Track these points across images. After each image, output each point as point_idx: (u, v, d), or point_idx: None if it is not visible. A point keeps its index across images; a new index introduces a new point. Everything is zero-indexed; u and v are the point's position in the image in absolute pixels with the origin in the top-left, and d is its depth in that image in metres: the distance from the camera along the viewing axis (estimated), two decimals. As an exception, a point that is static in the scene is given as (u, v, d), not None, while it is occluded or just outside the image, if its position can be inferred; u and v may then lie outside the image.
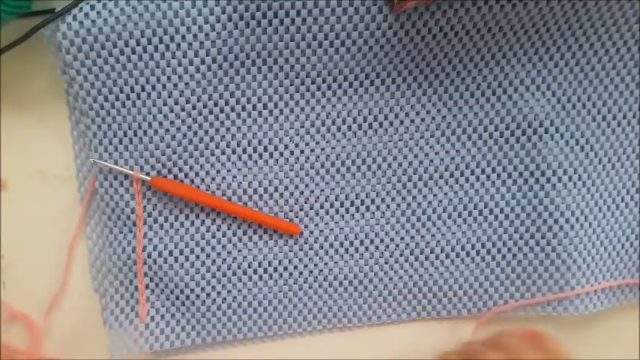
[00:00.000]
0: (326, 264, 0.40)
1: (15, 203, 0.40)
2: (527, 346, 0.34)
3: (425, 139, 0.39)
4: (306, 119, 0.38)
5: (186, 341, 0.40)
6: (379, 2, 0.34)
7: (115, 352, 0.39)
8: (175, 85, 0.36)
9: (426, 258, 0.40)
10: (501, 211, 0.40)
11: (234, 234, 0.39)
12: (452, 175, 0.40)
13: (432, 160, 0.39)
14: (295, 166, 0.39)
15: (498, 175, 0.40)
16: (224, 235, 0.39)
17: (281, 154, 0.39)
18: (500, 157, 0.39)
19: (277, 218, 0.39)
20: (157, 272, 0.39)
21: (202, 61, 0.35)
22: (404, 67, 0.37)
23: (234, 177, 0.38)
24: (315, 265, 0.40)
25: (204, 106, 0.37)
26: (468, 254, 0.40)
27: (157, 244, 0.38)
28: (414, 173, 0.39)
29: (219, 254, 0.39)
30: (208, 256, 0.39)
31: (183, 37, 0.35)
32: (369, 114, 0.38)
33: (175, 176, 0.38)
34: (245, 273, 0.40)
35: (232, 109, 0.37)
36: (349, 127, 0.39)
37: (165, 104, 0.36)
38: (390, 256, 0.40)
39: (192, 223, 0.39)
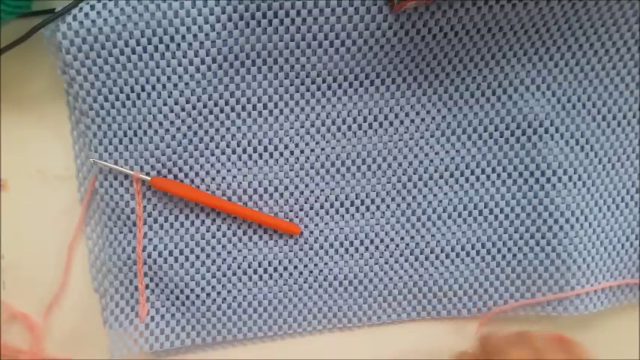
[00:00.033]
0: (326, 264, 0.40)
1: (15, 203, 0.40)
2: (552, 346, 0.34)
3: (425, 139, 0.39)
4: (306, 119, 0.38)
5: (186, 341, 0.40)
6: (379, 2, 0.34)
7: (115, 352, 0.39)
8: (175, 85, 0.36)
9: (426, 258, 0.40)
10: (501, 211, 0.40)
11: (234, 234, 0.39)
12: (452, 175, 0.40)
13: (432, 160, 0.39)
14: (295, 166, 0.39)
15: (498, 175, 0.40)
16: (224, 235, 0.39)
17: (281, 154, 0.39)
18: (500, 157, 0.39)
19: (277, 218, 0.39)
20: (157, 272, 0.39)
21: (202, 61, 0.35)
22: (404, 67, 0.37)
23: (234, 177, 0.38)
24: (315, 265, 0.40)
25: (204, 106, 0.37)
26: (468, 254, 0.40)
27: (157, 244, 0.38)
28: (414, 173, 0.39)
29: (219, 254, 0.39)
30: (208, 256, 0.39)
31: (183, 37, 0.35)
32: (369, 114, 0.38)
33: (175, 176, 0.38)
34: (245, 273, 0.40)
35: (232, 109, 0.37)
36: (349, 127, 0.39)
37: (165, 104, 0.36)
38: (390, 256, 0.40)
39: (192, 223, 0.39)
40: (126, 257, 0.39)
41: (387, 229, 0.40)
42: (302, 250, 0.40)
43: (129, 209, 0.38)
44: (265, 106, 0.38)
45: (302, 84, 0.37)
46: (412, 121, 0.39)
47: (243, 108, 0.38)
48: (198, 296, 0.39)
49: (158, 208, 0.38)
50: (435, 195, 0.40)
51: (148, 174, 0.37)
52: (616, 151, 0.40)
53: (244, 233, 0.39)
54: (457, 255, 0.40)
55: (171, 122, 0.36)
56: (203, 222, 0.39)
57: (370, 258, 0.40)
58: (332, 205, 0.39)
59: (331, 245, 0.40)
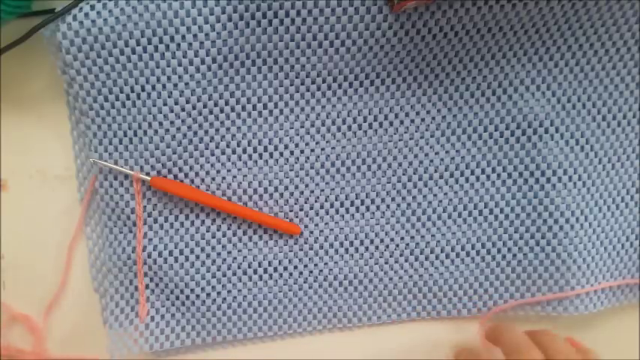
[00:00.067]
0: (326, 264, 0.40)
1: (15, 203, 0.40)
2: (566, 348, 0.34)
3: (425, 139, 0.39)
4: (306, 119, 0.38)
5: (186, 341, 0.40)
6: (379, 2, 0.34)
7: (115, 352, 0.39)
8: (175, 85, 0.36)
9: (426, 258, 0.40)
10: (501, 211, 0.40)
11: (234, 234, 0.39)
12: (452, 175, 0.40)
13: (432, 160, 0.39)
14: (295, 166, 0.39)
15: (498, 175, 0.40)
16: (224, 235, 0.39)
17: (281, 154, 0.39)
18: (500, 157, 0.39)
19: (277, 218, 0.39)
20: (157, 272, 0.39)
21: (202, 61, 0.35)
22: (404, 67, 0.37)
23: (234, 177, 0.38)
24: (315, 265, 0.40)
25: (204, 106, 0.37)
26: (468, 254, 0.40)
27: (157, 244, 0.38)
28: (414, 173, 0.39)
29: (219, 254, 0.39)
30: (208, 256, 0.39)
31: (183, 37, 0.35)
32: (369, 114, 0.38)
33: (175, 176, 0.38)
34: (245, 273, 0.40)
35: (232, 109, 0.37)
36: (349, 127, 0.39)
37: (165, 104, 0.36)
38: (390, 256, 0.40)
39: (192, 223, 0.39)
40: (126, 257, 0.39)
41: (387, 229, 0.40)
42: (302, 250, 0.40)
43: (129, 209, 0.38)
44: (265, 106, 0.38)
45: (302, 84, 0.37)
46: (412, 121, 0.39)
47: (243, 108, 0.38)
48: (198, 296, 0.39)
49: (158, 208, 0.38)
50: (435, 195, 0.40)
51: (148, 174, 0.37)
52: (616, 151, 0.40)
53: (244, 233, 0.39)
54: (457, 255, 0.40)
55: (171, 122, 0.36)
56: (203, 222, 0.39)
57: (370, 258, 0.40)
58: (332, 205, 0.39)
59: (331, 245, 0.40)
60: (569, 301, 0.40)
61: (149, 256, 0.38)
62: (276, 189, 0.39)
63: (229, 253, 0.39)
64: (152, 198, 0.38)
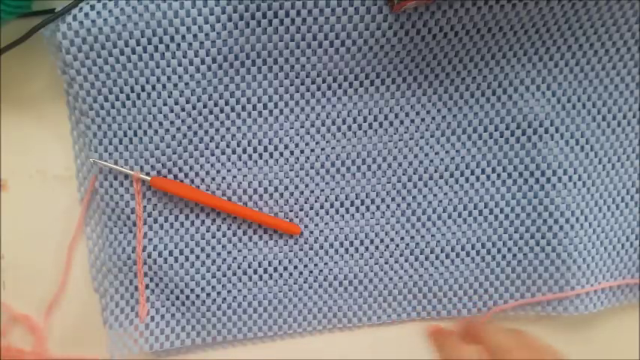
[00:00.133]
0: (326, 264, 0.40)
1: (15, 203, 0.40)
2: (514, 343, 0.31)
3: (425, 139, 0.39)
4: (306, 119, 0.38)
5: (186, 341, 0.40)
6: (379, 2, 0.34)
7: (115, 352, 0.39)
8: (175, 85, 0.36)
9: (426, 258, 0.40)
10: (501, 211, 0.40)
11: (234, 234, 0.39)
12: (452, 175, 0.40)
13: (432, 160, 0.39)
14: (295, 166, 0.39)
15: (498, 175, 0.40)
16: (224, 235, 0.39)
17: (281, 154, 0.39)
18: (500, 157, 0.39)
19: (277, 218, 0.39)
20: (157, 272, 0.39)
21: (202, 61, 0.35)
22: (404, 67, 0.37)
23: (234, 177, 0.38)
24: (315, 265, 0.40)
25: (204, 106, 0.37)
26: (468, 254, 0.40)
27: (157, 244, 0.38)
28: (414, 173, 0.39)
29: (219, 254, 0.39)
30: (208, 256, 0.39)
31: (183, 37, 0.35)
32: (369, 114, 0.38)
33: (175, 176, 0.38)
34: (245, 273, 0.40)
35: (232, 109, 0.37)
36: (349, 127, 0.39)
37: (165, 104, 0.36)
38: (390, 256, 0.40)
39: (192, 223, 0.39)
40: (126, 257, 0.39)
41: (387, 229, 0.40)
42: (302, 250, 0.40)
43: (129, 209, 0.38)
44: (265, 106, 0.38)
45: (302, 84, 0.37)
46: (412, 121, 0.39)
47: (243, 108, 0.38)
48: (198, 296, 0.39)
49: (158, 208, 0.38)
50: (435, 195, 0.40)
51: (148, 174, 0.37)
52: (616, 151, 0.40)
53: (244, 233, 0.39)
54: (457, 255, 0.40)
55: (171, 122, 0.36)
56: (203, 222, 0.39)
57: (370, 258, 0.40)
58: (332, 205, 0.39)
59: (331, 245, 0.40)
60: (569, 301, 0.40)
61: (149, 256, 0.38)
62: (276, 189, 0.39)
63: (229, 253, 0.39)
64: (152, 198, 0.38)
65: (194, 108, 0.36)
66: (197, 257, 0.39)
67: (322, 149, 0.39)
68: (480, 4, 0.35)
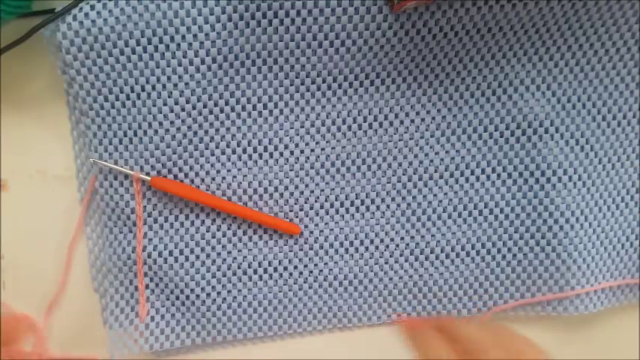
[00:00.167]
0: (326, 264, 0.40)
1: (15, 203, 0.40)
2: (490, 341, 0.30)
3: (425, 139, 0.39)
4: (306, 119, 0.38)
5: (186, 341, 0.40)
6: (379, 2, 0.34)
7: (115, 352, 0.39)
8: (175, 85, 0.36)
9: (426, 258, 0.40)
10: (501, 211, 0.40)
11: (234, 234, 0.39)
12: (452, 175, 0.40)
13: (432, 160, 0.39)
14: (295, 166, 0.39)
15: (498, 175, 0.40)
16: (224, 235, 0.39)
17: (281, 154, 0.39)
18: (500, 157, 0.39)
19: (277, 218, 0.39)
20: (157, 272, 0.39)
21: (202, 61, 0.35)
22: (404, 67, 0.37)
23: (234, 177, 0.38)
24: (315, 265, 0.40)
25: (204, 106, 0.37)
26: (468, 254, 0.40)
27: (157, 244, 0.38)
28: (414, 173, 0.39)
29: (219, 254, 0.39)
30: (208, 256, 0.39)
31: (183, 37, 0.35)
32: (369, 114, 0.38)
33: (175, 176, 0.38)
34: (245, 273, 0.40)
35: (232, 109, 0.37)
36: (349, 127, 0.39)
37: (165, 104, 0.36)
38: (390, 256, 0.40)
39: (192, 223, 0.39)
40: (126, 257, 0.39)
41: (387, 229, 0.40)
42: (302, 250, 0.40)
43: (129, 209, 0.38)
44: (265, 106, 0.38)
45: (302, 84, 0.37)
46: (412, 121, 0.39)
47: (243, 108, 0.38)
48: (198, 296, 0.39)
49: (158, 208, 0.38)
50: (435, 195, 0.40)
51: (148, 174, 0.37)
52: (616, 151, 0.40)
53: (244, 233, 0.39)
54: (457, 255, 0.40)
55: (171, 122, 0.36)
56: (203, 222, 0.39)
57: (370, 258, 0.40)
58: (332, 205, 0.39)
59: (331, 245, 0.40)
60: (569, 301, 0.40)
61: (149, 256, 0.38)
62: (276, 189, 0.39)
63: (229, 253, 0.39)
64: (152, 198, 0.38)
65: (194, 108, 0.36)
66: (197, 257, 0.39)
67: (322, 149, 0.39)
68: (480, 4, 0.35)
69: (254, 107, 0.38)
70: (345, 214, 0.40)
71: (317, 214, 0.39)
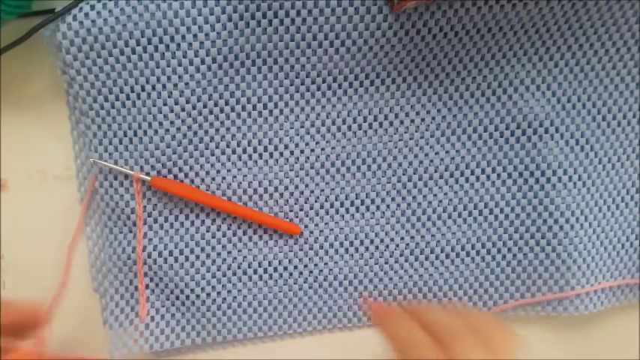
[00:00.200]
0: (326, 264, 0.40)
1: (15, 203, 0.40)
2: (459, 326, 0.28)
3: (425, 139, 0.39)
4: (306, 119, 0.38)
5: (186, 341, 0.40)
6: (379, 2, 0.34)
7: (114, 352, 0.39)
8: (175, 85, 0.36)
9: (426, 258, 0.40)
10: (501, 211, 0.40)
11: (234, 234, 0.39)
12: (452, 175, 0.40)
13: (432, 160, 0.39)
14: (295, 166, 0.39)
15: (498, 175, 0.40)
16: (224, 235, 0.39)
17: (281, 154, 0.39)
18: (500, 157, 0.39)
19: (277, 218, 0.39)
20: (157, 272, 0.39)
21: (202, 61, 0.35)
22: (404, 67, 0.37)
23: (234, 177, 0.38)
24: (315, 265, 0.40)
25: (204, 106, 0.37)
26: (468, 254, 0.40)
27: (157, 244, 0.38)
28: (414, 173, 0.39)
29: (219, 254, 0.39)
30: (208, 256, 0.39)
31: (183, 37, 0.35)
32: (369, 114, 0.38)
33: (175, 176, 0.38)
34: (245, 273, 0.40)
35: (232, 109, 0.37)
36: (349, 127, 0.39)
37: (165, 104, 0.36)
38: (390, 256, 0.40)
39: (192, 223, 0.39)
40: (126, 257, 0.39)
41: (387, 229, 0.40)
42: (302, 250, 0.40)
43: (129, 209, 0.38)
44: (265, 106, 0.38)
45: (302, 84, 0.37)
46: (412, 121, 0.39)
47: (243, 108, 0.38)
48: (198, 296, 0.39)
49: (158, 208, 0.38)
50: (435, 195, 0.40)
51: (148, 174, 0.37)
52: (616, 151, 0.40)
53: (244, 233, 0.39)
54: (457, 255, 0.40)
55: (171, 122, 0.36)
56: (203, 222, 0.39)
57: (370, 258, 0.40)
58: (332, 205, 0.39)
59: (331, 245, 0.40)
60: (569, 301, 0.40)
61: (149, 256, 0.38)
62: (276, 189, 0.39)
63: (229, 253, 0.39)
64: (152, 198, 0.38)
65: (194, 108, 0.36)
66: (197, 257, 0.39)
67: (322, 149, 0.39)
68: (480, 4, 0.35)
69: (254, 107, 0.38)
70: (345, 214, 0.40)
71: (317, 214, 0.39)
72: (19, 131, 0.40)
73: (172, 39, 0.35)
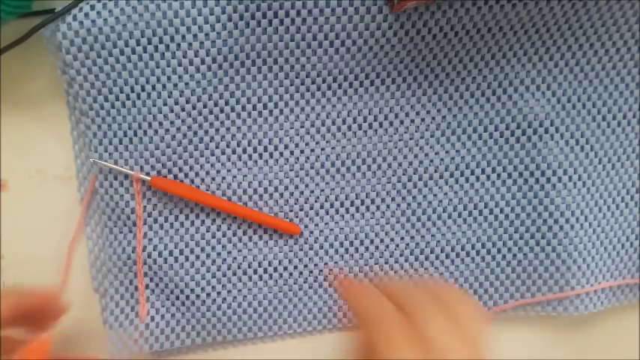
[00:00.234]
0: (326, 264, 0.40)
1: (15, 203, 0.40)
2: (430, 302, 0.27)
3: (425, 139, 0.39)
4: (306, 119, 0.38)
5: (186, 341, 0.40)
6: (379, 2, 0.34)
7: (115, 352, 0.39)
8: (175, 85, 0.36)
9: (426, 258, 0.40)
10: (501, 211, 0.40)
11: (234, 234, 0.39)
12: (452, 175, 0.40)
13: (432, 160, 0.39)
14: (295, 166, 0.39)
15: (498, 175, 0.40)
16: (224, 235, 0.39)
17: (281, 154, 0.39)
18: (500, 157, 0.39)
19: (277, 218, 0.39)
20: (157, 272, 0.39)
21: (202, 61, 0.35)
22: (404, 67, 0.37)
23: (234, 177, 0.38)
24: (315, 265, 0.40)
25: (204, 106, 0.37)
26: (468, 254, 0.40)
27: (157, 244, 0.38)
28: (414, 173, 0.39)
29: (219, 254, 0.39)
30: (208, 256, 0.39)
31: (183, 37, 0.35)
32: (369, 114, 0.38)
33: (175, 176, 0.38)
34: (245, 273, 0.40)
35: (232, 109, 0.37)
36: (349, 127, 0.39)
37: (165, 104, 0.36)
38: (390, 256, 0.40)
39: (192, 223, 0.39)
40: (126, 257, 0.39)
41: (387, 229, 0.40)
42: (302, 250, 0.40)
43: (129, 209, 0.38)
44: (265, 106, 0.38)
45: (302, 84, 0.37)
46: (412, 121, 0.39)
47: (243, 108, 0.38)
48: (198, 296, 0.39)
49: (158, 208, 0.38)
50: (435, 195, 0.40)
51: (148, 174, 0.37)
52: (616, 151, 0.40)
53: (244, 233, 0.39)
54: (457, 255, 0.40)
55: (171, 122, 0.36)
56: (203, 222, 0.39)
57: (370, 258, 0.40)
58: (332, 205, 0.39)
59: (331, 245, 0.40)
60: (569, 301, 0.40)
61: (149, 256, 0.38)
62: (276, 189, 0.39)
63: (229, 253, 0.39)
64: (152, 198, 0.38)
65: (194, 108, 0.36)
66: (197, 257, 0.39)
67: (322, 149, 0.39)
68: (480, 4, 0.35)
69: (254, 107, 0.38)
70: (345, 214, 0.40)
71: (317, 214, 0.39)
72: (19, 131, 0.40)
73: (172, 39, 0.35)
